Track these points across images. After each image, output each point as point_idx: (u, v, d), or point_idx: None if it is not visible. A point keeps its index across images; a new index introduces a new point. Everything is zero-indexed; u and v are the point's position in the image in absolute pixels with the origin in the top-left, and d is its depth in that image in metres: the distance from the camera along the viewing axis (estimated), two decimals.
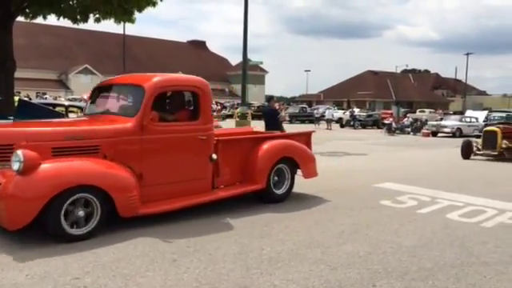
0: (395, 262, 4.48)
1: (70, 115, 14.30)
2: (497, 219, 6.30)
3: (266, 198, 6.84)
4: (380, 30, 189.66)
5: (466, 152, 14.23)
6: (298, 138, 7.63)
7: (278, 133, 8.21)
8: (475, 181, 9.85)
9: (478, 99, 71.37)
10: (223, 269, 4.16)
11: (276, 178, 6.93)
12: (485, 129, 14.85)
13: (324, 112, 39.29)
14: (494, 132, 13.94)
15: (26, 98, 26.82)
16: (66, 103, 16.89)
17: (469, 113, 34.22)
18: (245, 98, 21.91)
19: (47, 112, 8.99)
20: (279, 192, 7.01)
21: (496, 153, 13.75)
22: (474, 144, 14.35)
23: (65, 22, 10.93)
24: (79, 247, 4.60)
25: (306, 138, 7.83)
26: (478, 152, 14.20)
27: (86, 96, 13.48)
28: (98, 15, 10.50)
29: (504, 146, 13.60)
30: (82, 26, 11.42)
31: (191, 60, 70.70)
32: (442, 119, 33.10)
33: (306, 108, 46.64)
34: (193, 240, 4.96)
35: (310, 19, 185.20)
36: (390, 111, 37.78)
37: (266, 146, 6.79)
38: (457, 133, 26.82)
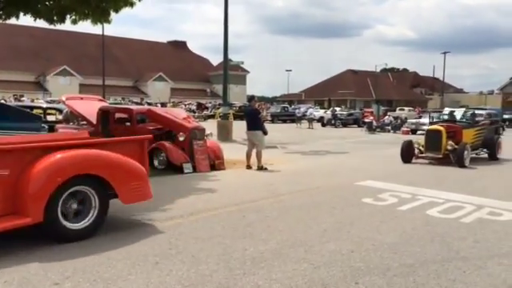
0: (377, 259, 4.52)
1: (49, 118, 14.09)
2: (475, 215, 6.42)
3: (53, 235, 4.77)
4: (360, 29, 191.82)
5: (407, 155, 12.37)
6: (117, 146, 5.49)
7: (85, 139, 5.93)
8: (453, 177, 10.01)
9: (456, 97, 72.62)
10: (206, 270, 4.14)
11: (74, 207, 4.88)
12: (428, 128, 12.99)
13: (305, 111, 39.52)
14: (438, 132, 12.17)
15: (2, 101, 26.32)
16: (44, 105, 16.63)
17: (447, 110, 34.73)
18: (226, 99, 21.85)
19: (24, 115, 8.82)
20: (78, 226, 4.89)
21: (440, 156, 12.03)
22: (416, 146, 12.51)
23: (42, 23, 10.71)
24: (59, 252, 4.52)
25: (134, 147, 5.69)
26: (420, 155, 12.45)
27: (64, 98, 13.25)
28: (74, 16, 10.33)
29: (450, 147, 11.80)
30: (59, 26, 11.22)
31: (172, 61, 70.26)
32: (421, 117, 33.60)
33: (288, 107, 46.79)
34: (175, 242, 4.93)
35: (290, 19, 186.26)
36: (370, 110, 38.23)
37: (49, 160, 4.68)
38: None
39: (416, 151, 12.49)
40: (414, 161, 12.39)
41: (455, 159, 11.61)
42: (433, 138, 12.21)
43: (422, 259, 4.53)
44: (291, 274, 4.09)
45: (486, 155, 13.47)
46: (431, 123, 13.95)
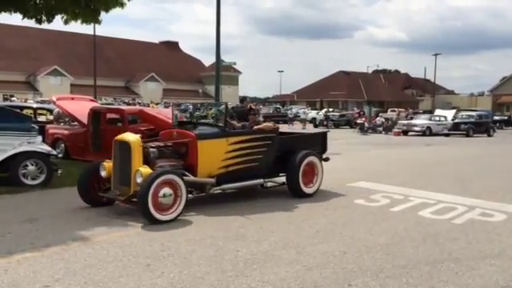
0: (370, 260, 4.52)
1: (39, 118, 13.95)
2: (466, 216, 6.45)
3: None
4: (351, 30, 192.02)
5: (86, 191, 6.47)
6: None
7: None
8: (445, 178, 10.06)
9: (447, 98, 73.12)
10: (198, 272, 4.11)
11: None
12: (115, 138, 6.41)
13: (297, 112, 39.66)
14: (126, 145, 6.09)
15: None
16: (35, 105, 16.45)
17: (438, 112, 35.05)
18: (218, 99, 21.79)
19: (13, 115, 8.71)
20: None
21: (127, 196, 5.95)
22: (104, 173, 6.35)
23: (32, 23, 10.57)
24: (49, 255, 4.47)
25: None
26: (103, 194, 6.40)
27: (54, 98, 13.13)
28: (65, 17, 10.22)
29: (139, 179, 5.78)
30: (50, 26, 11.10)
31: (164, 61, 69.97)
32: (410, 117, 33.81)
33: (280, 108, 46.84)
34: (167, 244, 4.89)
35: (281, 20, 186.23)
36: (357, 110, 38.52)
37: None
38: (427, 131, 27.42)
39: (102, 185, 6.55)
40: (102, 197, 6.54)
41: (135, 202, 5.84)
42: (120, 159, 6.18)
43: (414, 260, 4.54)
44: (284, 275, 4.07)
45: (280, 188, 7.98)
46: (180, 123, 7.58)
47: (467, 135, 26.71)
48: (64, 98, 13.89)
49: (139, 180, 5.76)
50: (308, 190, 7.60)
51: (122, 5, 10.16)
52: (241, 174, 6.97)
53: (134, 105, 34.31)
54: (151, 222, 5.58)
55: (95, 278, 3.93)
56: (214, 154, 6.66)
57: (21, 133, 8.13)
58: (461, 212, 6.65)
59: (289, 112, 41.33)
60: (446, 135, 26.89)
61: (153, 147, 6.45)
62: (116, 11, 10.29)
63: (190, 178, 6.32)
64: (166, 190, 5.71)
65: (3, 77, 51.63)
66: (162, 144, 6.68)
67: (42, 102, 28.02)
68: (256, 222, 5.86)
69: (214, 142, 6.71)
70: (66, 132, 12.37)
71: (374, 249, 4.86)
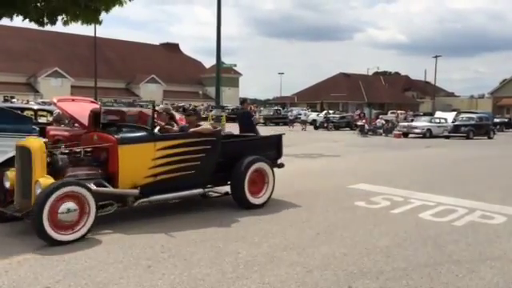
0: (370, 262, 4.52)
1: (40, 119, 13.95)
2: (467, 218, 6.44)
3: None
4: (351, 32, 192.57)
5: None
6: None
7: None
8: (446, 180, 10.06)
9: (447, 101, 73.16)
10: (199, 274, 4.11)
11: None
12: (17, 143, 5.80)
13: (298, 114, 39.77)
14: (28, 153, 5.24)
15: None
16: (35, 107, 16.44)
17: (438, 114, 35.05)
18: (219, 101, 21.82)
19: (14, 116, 8.71)
20: None
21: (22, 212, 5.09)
22: (8, 184, 5.53)
23: (32, 25, 10.59)
24: (50, 255, 4.47)
25: None
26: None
27: (55, 99, 13.14)
28: (65, 18, 10.25)
29: (38, 190, 4.97)
30: (50, 28, 11.12)
31: (165, 63, 70.05)
32: (410, 119, 33.83)
33: (280, 110, 46.87)
34: (167, 246, 4.89)
35: (282, 22, 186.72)
36: (357, 112, 38.60)
37: None
38: (427, 133, 27.41)
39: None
40: None
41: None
42: (22, 168, 5.39)
43: (414, 263, 4.54)
44: (284, 277, 4.07)
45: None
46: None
47: (467, 137, 26.70)
48: (65, 99, 13.87)
49: (38, 192, 4.87)
50: (256, 201, 6.80)
51: (121, 3, 10.18)
52: (173, 183, 6.04)
53: (134, 106, 34.25)
54: (48, 243, 4.73)
55: (96, 279, 3.93)
56: (138, 161, 5.75)
57: (21, 134, 8.12)
58: (461, 214, 6.65)
59: (289, 114, 41.33)
60: (447, 137, 26.88)
61: (64, 153, 5.59)
62: (116, 12, 10.38)
63: (106, 189, 5.48)
64: (70, 205, 4.85)
65: (4, 78, 51.71)
66: (78, 149, 5.74)
67: (43, 103, 28.05)
68: (256, 224, 5.87)
69: (139, 147, 5.79)
70: (66, 133, 12.37)
71: (375, 251, 4.87)
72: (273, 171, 7.13)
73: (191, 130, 6.51)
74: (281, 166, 7.75)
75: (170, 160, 5.99)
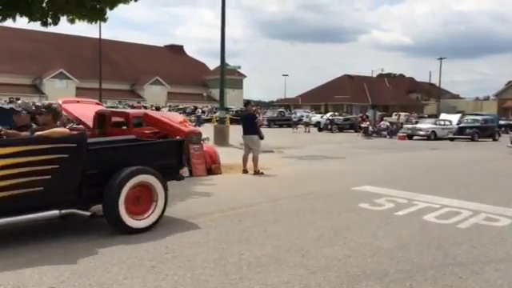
0: (374, 264, 4.51)
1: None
2: (471, 220, 6.42)
3: None
4: (355, 34, 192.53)
5: None
6: None
7: None
8: (450, 183, 10.03)
9: (452, 103, 72.92)
10: (202, 275, 4.12)
11: None
12: None
13: (302, 116, 39.82)
14: None
15: None
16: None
17: (443, 116, 34.94)
18: (223, 103, 21.86)
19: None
20: None
21: None
22: None
23: (39, 26, 10.68)
24: (54, 256, 4.49)
25: None
26: None
27: (61, 101, 13.22)
28: (71, 16, 10.35)
29: None
30: (55, 29, 11.22)
31: (169, 65, 70.25)
32: (415, 121, 33.73)
33: (284, 112, 46.87)
34: (171, 246, 4.90)
35: (286, 24, 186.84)
36: (360, 114, 38.58)
37: None
38: (432, 135, 27.34)
39: None
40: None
41: None
42: None
43: (418, 265, 4.52)
44: (287, 279, 4.07)
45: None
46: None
47: (472, 139, 26.59)
48: (70, 101, 14.00)
49: None
50: (137, 224, 5.34)
51: (126, 0, 10.29)
52: (11, 204, 4.60)
53: (140, 108, 34.39)
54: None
55: (100, 280, 3.95)
56: None
57: None
58: (465, 216, 6.63)
59: (293, 116, 41.34)
60: (451, 139, 26.78)
61: None
62: (121, 13, 10.50)
63: None
64: None
65: (10, 80, 52.06)
66: None
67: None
68: (260, 226, 5.87)
69: None
70: None
71: (378, 253, 4.86)
72: (165, 186, 5.64)
73: (37, 133, 5.06)
74: (181, 178, 6.40)
75: (5, 174, 4.53)
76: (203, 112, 47.07)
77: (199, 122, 35.62)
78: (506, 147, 18.39)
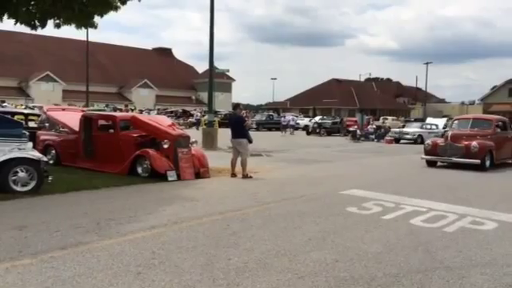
0: (361, 268, 4.51)
1: (30, 124, 13.86)
2: (457, 224, 6.47)
3: None
4: (342, 38, 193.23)
5: None
6: None
7: None
8: (436, 186, 10.10)
9: (438, 107, 73.73)
10: (189, 281, 4.07)
11: None
12: None
13: (290, 120, 40.06)
14: None
15: None
16: (26, 111, 16.34)
17: (429, 120, 35.26)
18: (211, 106, 21.81)
19: (4, 121, 8.63)
20: None
21: None
22: None
23: (24, 28, 10.54)
24: (38, 263, 4.41)
25: None
26: None
27: (45, 109, 13.16)
28: (58, 21, 10.22)
29: None
30: (43, 32, 11.08)
31: (157, 68, 69.94)
32: (402, 125, 34.00)
33: (273, 116, 46.94)
34: (158, 252, 4.85)
35: (274, 27, 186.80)
36: (353, 118, 38.71)
37: None
38: (418, 139, 27.55)
39: None
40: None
41: None
42: None
43: (405, 269, 4.54)
44: (275, 283, 4.05)
45: None
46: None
47: None
48: (55, 109, 14.00)
49: None
50: None
51: (116, 8, 10.18)
52: None
53: (127, 111, 34.04)
54: None
55: (85, 286, 3.88)
56: None
57: (11, 139, 8.05)
58: (452, 220, 6.68)
59: (282, 119, 41.43)
60: None
61: None
62: (110, 16, 10.33)
63: None
64: None
65: None
66: None
67: (34, 107, 27.77)
68: (248, 230, 5.84)
69: None
70: (56, 138, 12.31)
71: (366, 257, 4.86)
72: None
73: None
74: None
75: None
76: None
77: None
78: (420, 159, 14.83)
